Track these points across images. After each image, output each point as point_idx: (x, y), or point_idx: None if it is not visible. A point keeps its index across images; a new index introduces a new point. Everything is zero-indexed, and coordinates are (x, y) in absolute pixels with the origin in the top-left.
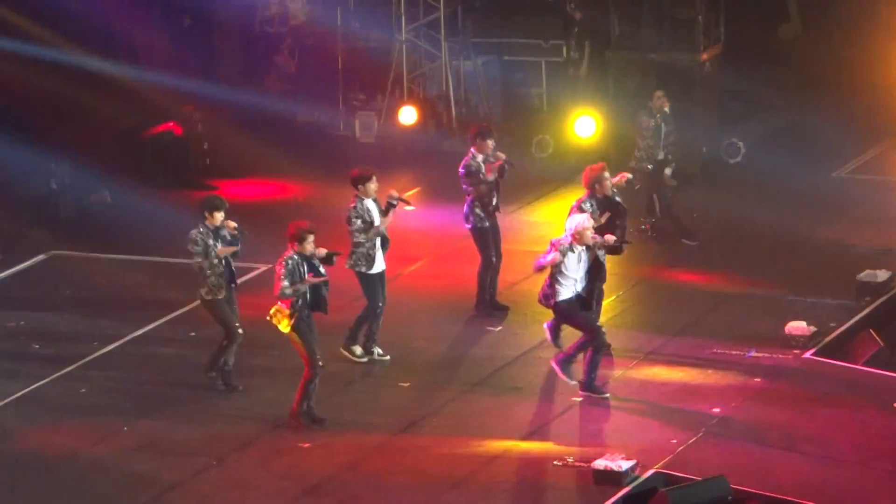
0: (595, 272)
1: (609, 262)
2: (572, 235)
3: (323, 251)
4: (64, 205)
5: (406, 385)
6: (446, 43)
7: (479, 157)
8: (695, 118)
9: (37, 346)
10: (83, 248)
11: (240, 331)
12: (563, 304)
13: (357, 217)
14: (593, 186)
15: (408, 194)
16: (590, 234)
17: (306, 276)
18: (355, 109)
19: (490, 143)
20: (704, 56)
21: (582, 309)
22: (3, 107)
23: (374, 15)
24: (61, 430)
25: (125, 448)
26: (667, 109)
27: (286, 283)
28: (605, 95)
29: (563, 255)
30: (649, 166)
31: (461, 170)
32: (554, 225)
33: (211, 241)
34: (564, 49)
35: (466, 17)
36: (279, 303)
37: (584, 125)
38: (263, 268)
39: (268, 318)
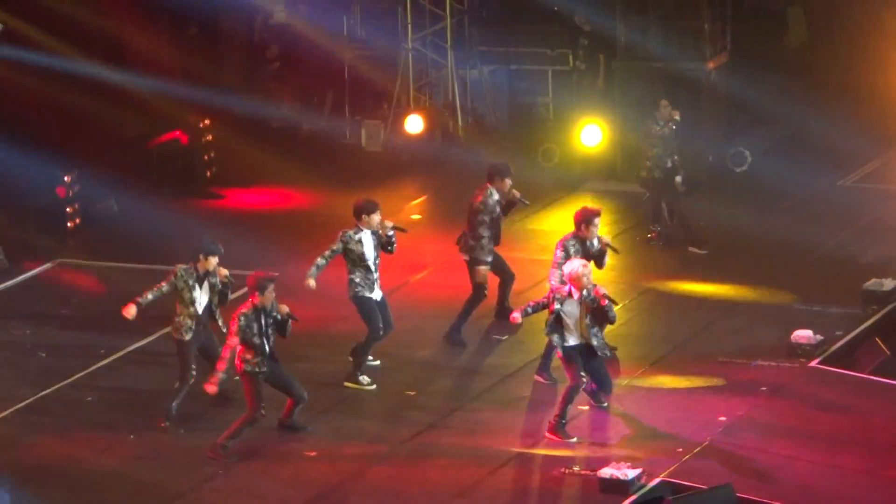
0: (601, 317)
1: (615, 270)
2: (569, 279)
3: (286, 308)
4: (70, 213)
5: (412, 394)
6: (452, 52)
7: (496, 196)
8: (701, 127)
9: (43, 355)
10: (89, 256)
11: (193, 376)
12: (567, 351)
13: (353, 249)
14: (580, 226)
15: (414, 203)
16: (586, 280)
17: (264, 329)
18: (362, 118)
19: (508, 181)
20: (711, 64)
21: (586, 358)
22: (9, 115)
23: (381, 24)
24: (68, 439)
25: (132, 457)
26: (677, 117)
27: (235, 339)
28: (612, 104)
29: (561, 303)
30: (659, 175)
31: (478, 204)
32: (559, 234)
33: (192, 283)
34: (570, 58)
35: (472, 26)
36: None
37: (591, 134)
38: None
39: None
